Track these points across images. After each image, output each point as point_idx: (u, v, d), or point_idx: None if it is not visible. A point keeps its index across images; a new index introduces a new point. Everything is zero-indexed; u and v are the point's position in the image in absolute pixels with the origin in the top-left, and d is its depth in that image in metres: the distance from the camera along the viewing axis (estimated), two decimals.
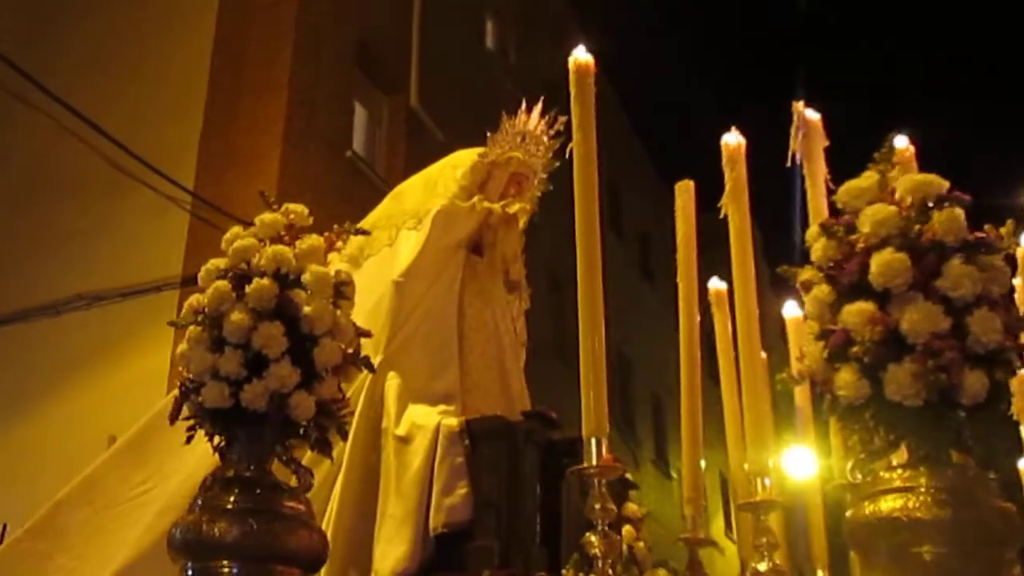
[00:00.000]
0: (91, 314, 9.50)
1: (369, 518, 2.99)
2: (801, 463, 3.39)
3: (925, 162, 2.55)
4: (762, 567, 2.42)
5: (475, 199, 3.57)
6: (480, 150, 3.74)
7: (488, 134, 3.76)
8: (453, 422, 3.03)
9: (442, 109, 11.64)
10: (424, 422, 3.06)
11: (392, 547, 2.88)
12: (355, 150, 10.50)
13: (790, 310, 3.33)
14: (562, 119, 3.72)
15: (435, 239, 3.45)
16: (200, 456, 2.97)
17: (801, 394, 3.26)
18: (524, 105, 3.80)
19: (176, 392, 3.35)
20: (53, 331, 9.58)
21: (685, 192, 3.04)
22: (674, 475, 17.71)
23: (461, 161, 3.74)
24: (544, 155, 3.76)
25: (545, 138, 3.76)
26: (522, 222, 3.69)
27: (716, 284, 3.32)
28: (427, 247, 3.42)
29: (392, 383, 3.15)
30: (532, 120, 3.78)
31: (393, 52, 11.33)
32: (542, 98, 3.82)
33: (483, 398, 3.37)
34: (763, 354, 2.85)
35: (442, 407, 3.17)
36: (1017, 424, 2.14)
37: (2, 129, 10.43)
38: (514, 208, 3.59)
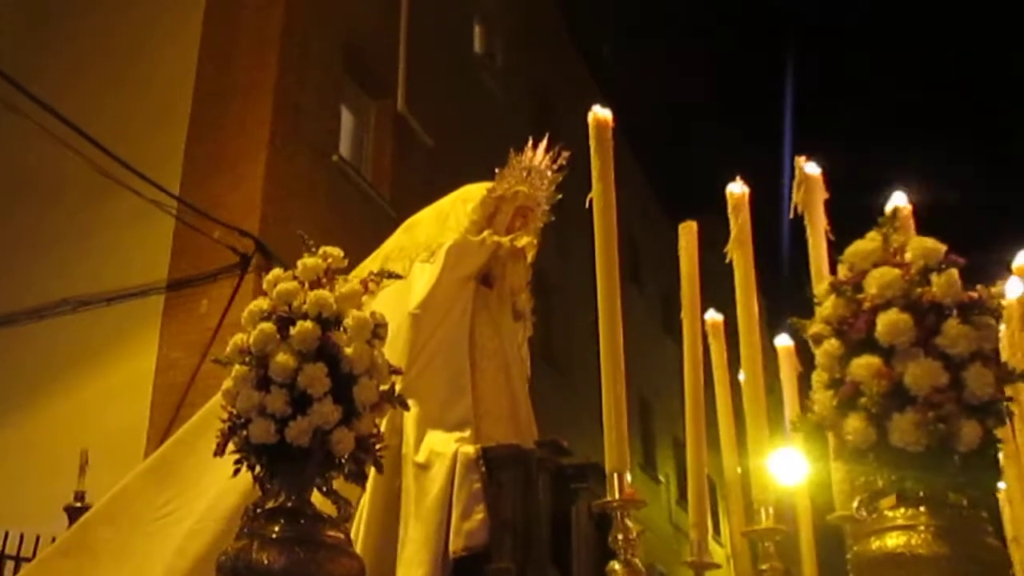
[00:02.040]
0: (76, 319, 9.55)
1: (392, 541, 3.16)
2: (790, 467, 3.52)
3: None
4: None
5: (485, 234, 3.75)
6: (488, 185, 3.91)
7: (496, 170, 3.93)
8: (470, 449, 3.21)
9: (429, 114, 11.76)
10: (442, 449, 3.23)
11: (413, 569, 3.05)
12: (342, 154, 10.56)
13: (782, 340, 3.54)
14: (565, 154, 3.92)
15: (448, 272, 3.63)
16: (226, 481, 3.12)
17: (791, 404, 3.45)
18: (531, 142, 3.97)
19: (201, 416, 3.53)
20: (38, 335, 9.64)
21: (688, 233, 3.22)
22: (661, 479, 17.94)
23: (471, 196, 3.92)
24: (548, 188, 3.95)
25: (549, 172, 3.94)
26: (530, 256, 3.88)
27: (712, 315, 3.52)
28: (441, 280, 3.61)
29: (411, 411, 3.31)
30: (537, 155, 3.96)
31: (380, 57, 11.40)
32: (547, 135, 3.99)
33: (494, 424, 3.55)
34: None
35: (458, 434, 3.34)
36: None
37: None
38: (522, 242, 3.79)
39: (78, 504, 5.42)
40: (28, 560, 6.52)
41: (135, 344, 9.38)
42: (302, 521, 2.44)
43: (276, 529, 2.42)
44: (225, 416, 2.53)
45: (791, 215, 2.82)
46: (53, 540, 5.90)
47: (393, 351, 3.35)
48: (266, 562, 2.37)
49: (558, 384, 13.25)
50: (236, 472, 2.51)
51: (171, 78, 10.20)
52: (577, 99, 16.59)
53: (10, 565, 6.62)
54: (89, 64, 10.50)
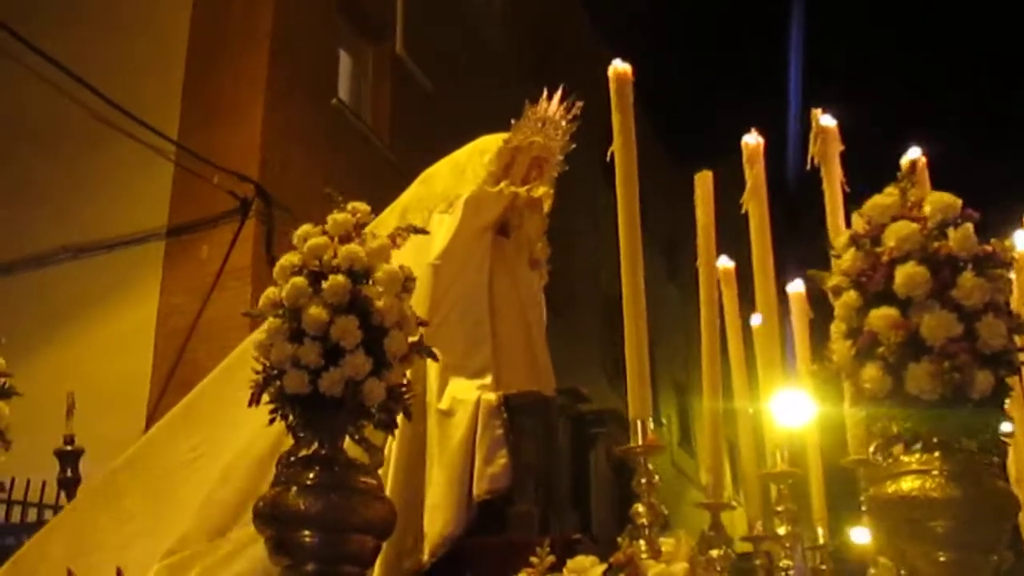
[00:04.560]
0: (76, 266, 9.61)
1: (417, 485, 3.27)
2: (795, 409, 3.61)
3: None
4: (781, 531, 2.74)
5: (502, 184, 3.83)
6: (504, 136, 3.97)
7: (512, 121, 3.98)
8: (492, 397, 3.31)
9: (428, 56, 11.69)
10: (464, 397, 3.33)
11: (439, 513, 3.17)
12: (341, 98, 10.53)
13: (794, 287, 3.63)
14: (579, 104, 3.98)
15: (466, 223, 3.71)
16: (255, 429, 3.22)
17: (802, 349, 3.55)
18: (545, 92, 4.02)
19: (225, 365, 3.62)
20: (37, 284, 9.67)
21: (704, 182, 3.28)
22: (663, 422, 18.15)
23: (487, 147, 3.98)
24: (562, 138, 4.01)
25: (563, 122, 3.99)
26: (546, 205, 3.95)
27: (724, 263, 3.60)
28: (459, 231, 3.68)
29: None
30: (552, 106, 4.01)
31: None
32: (548, 80, 4.04)
33: (513, 371, 3.64)
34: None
35: (479, 381, 3.44)
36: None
37: None
38: (539, 192, 3.86)
39: (68, 448, 5.48)
40: (35, 504, 6.67)
41: (137, 291, 9.44)
42: (336, 468, 2.52)
43: (311, 476, 2.50)
44: (257, 367, 2.60)
45: (807, 167, 2.89)
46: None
47: (414, 301, 3.43)
48: (302, 507, 2.45)
49: (558, 327, 13.35)
50: (272, 422, 2.58)
51: (166, 23, 10.14)
52: (576, 42, 16.49)
53: (17, 510, 6.75)
54: (82, 9, 10.40)
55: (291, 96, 9.87)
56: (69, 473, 5.30)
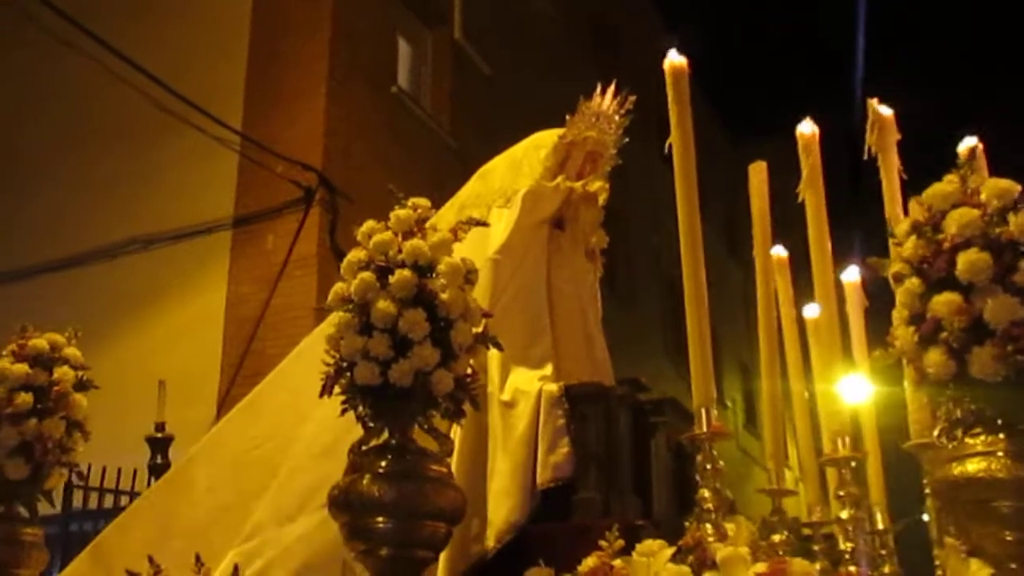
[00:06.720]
0: (144, 257, 9.79)
1: (481, 473, 3.34)
2: (856, 390, 3.63)
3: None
4: (844, 515, 2.78)
5: (559, 179, 3.90)
6: (559, 131, 4.03)
7: (567, 116, 4.04)
8: (553, 387, 3.37)
9: (486, 41, 11.75)
10: (527, 388, 3.40)
11: (504, 500, 3.24)
12: (400, 85, 10.61)
13: (849, 275, 3.64)
14: (631, 98, 4.03)
15: (525, 217, 3.78)
16: (319, 420, 3.31)
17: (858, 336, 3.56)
18: (599, 87, 4.08)
19: (290, 359, 3.72)
20: (107, 275, 9.84)
21: (758, 173, 3.32)
22: (728, 404, 18.01)
23: (543, 142, 4.04)
24: (615, 132, 4.07)
25: (616, 117, 4.05)
26: (602, 199, 4.00)
27: (778, 252, 3.63)
28: (517, 225, 3.76)
29: (494, 352, 3.46)
30: (605, 101, 4.06)
31: None
32: (614, 81, 4.09)
33: (572, 362, 3.72)
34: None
35: (540, 372, 3.51)
36: None
37: (49, 74, 10.56)
38: (595, 187, 3.92)
39: (159, 435, 5.62)
40: (111, 491, 6.86)
41: (205, 281, 9.60)
42: (408, 457, 2.60)
43: (384, 464, 2.57)
44: (327, 359, 2.68)
45: (865, 156, 2.91)
46: (135, 472, 6.18)
47: (475, 295, 3.50)
48: (377, 494, 2.53)
49: (619, 308, 13.41)
50: (343, 412, 2.66)
51: (227, 14, 10.28)
52: (636, 24, 16.35)
53: (94, 496, 6.96)
54: (145, 2, 10.58)
55: (352, 84, 9.94)
56: (159, 460, 5.45)
